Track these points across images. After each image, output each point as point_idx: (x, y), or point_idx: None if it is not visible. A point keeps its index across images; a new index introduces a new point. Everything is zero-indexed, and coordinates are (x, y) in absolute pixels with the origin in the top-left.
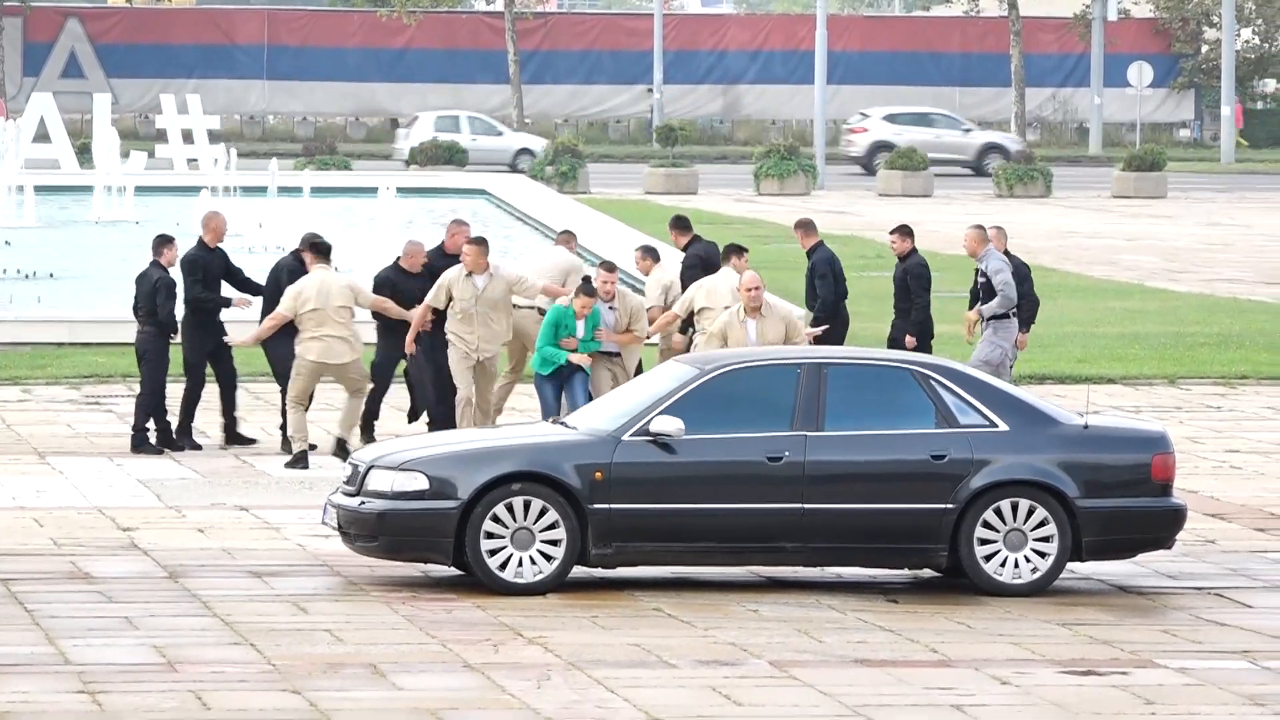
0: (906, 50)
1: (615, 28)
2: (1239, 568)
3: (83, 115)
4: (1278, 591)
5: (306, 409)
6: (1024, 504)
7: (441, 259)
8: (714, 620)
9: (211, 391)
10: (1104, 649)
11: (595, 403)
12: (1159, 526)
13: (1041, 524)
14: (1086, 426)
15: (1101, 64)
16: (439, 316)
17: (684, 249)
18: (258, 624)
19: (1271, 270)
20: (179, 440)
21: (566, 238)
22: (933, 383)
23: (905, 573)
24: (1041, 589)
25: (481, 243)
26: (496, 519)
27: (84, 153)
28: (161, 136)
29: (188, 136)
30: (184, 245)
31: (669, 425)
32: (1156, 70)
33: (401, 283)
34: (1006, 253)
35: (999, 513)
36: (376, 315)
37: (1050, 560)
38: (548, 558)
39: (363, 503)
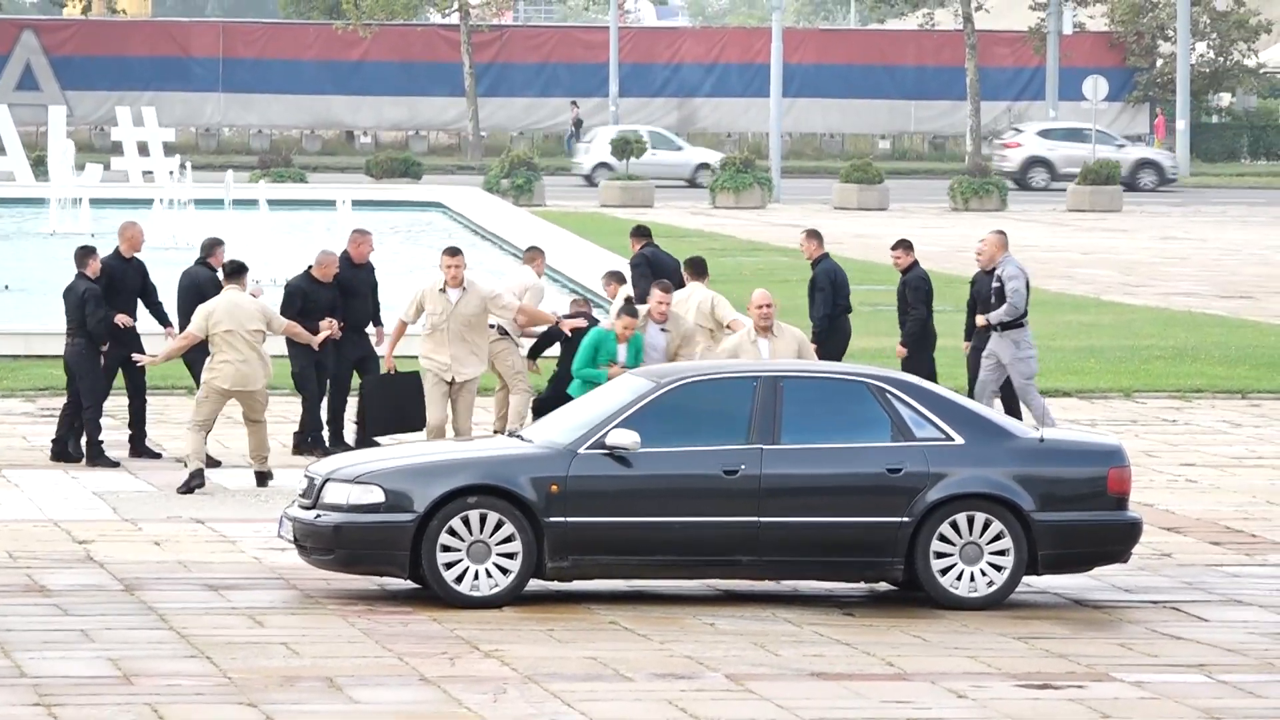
0: (862, 63)
1: (571, 40)
2: (1195, 581)
3: (38, 127)
4: (1233, 605)
5: (207, 433)
6: (980, 517)
7: (349, 269)
8: (670, 633)
9: (117, 404)
10: (1060, 662)
11: (551, 415)
12: (1115, 540)
13: (997, 537)
14: (1042, 440)
15: (1057, 77)
16: (347, 324)
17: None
18: (214, 637)
19: (1226, 284)
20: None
21: (533, 255)
22: (888, 396)
23: (861, 586)
24: (997, 602)
25: (458, 253)
26: (453, 532)
27: (39, 165)
28: (117, 149)
29: (143, 149)
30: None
31: (625, 438)
32: (1112, 84)
33: (313, 292)
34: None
35: (955, 526)
36: None
37: (1006, 574)
38: (504, 571)
39: (319, 516)
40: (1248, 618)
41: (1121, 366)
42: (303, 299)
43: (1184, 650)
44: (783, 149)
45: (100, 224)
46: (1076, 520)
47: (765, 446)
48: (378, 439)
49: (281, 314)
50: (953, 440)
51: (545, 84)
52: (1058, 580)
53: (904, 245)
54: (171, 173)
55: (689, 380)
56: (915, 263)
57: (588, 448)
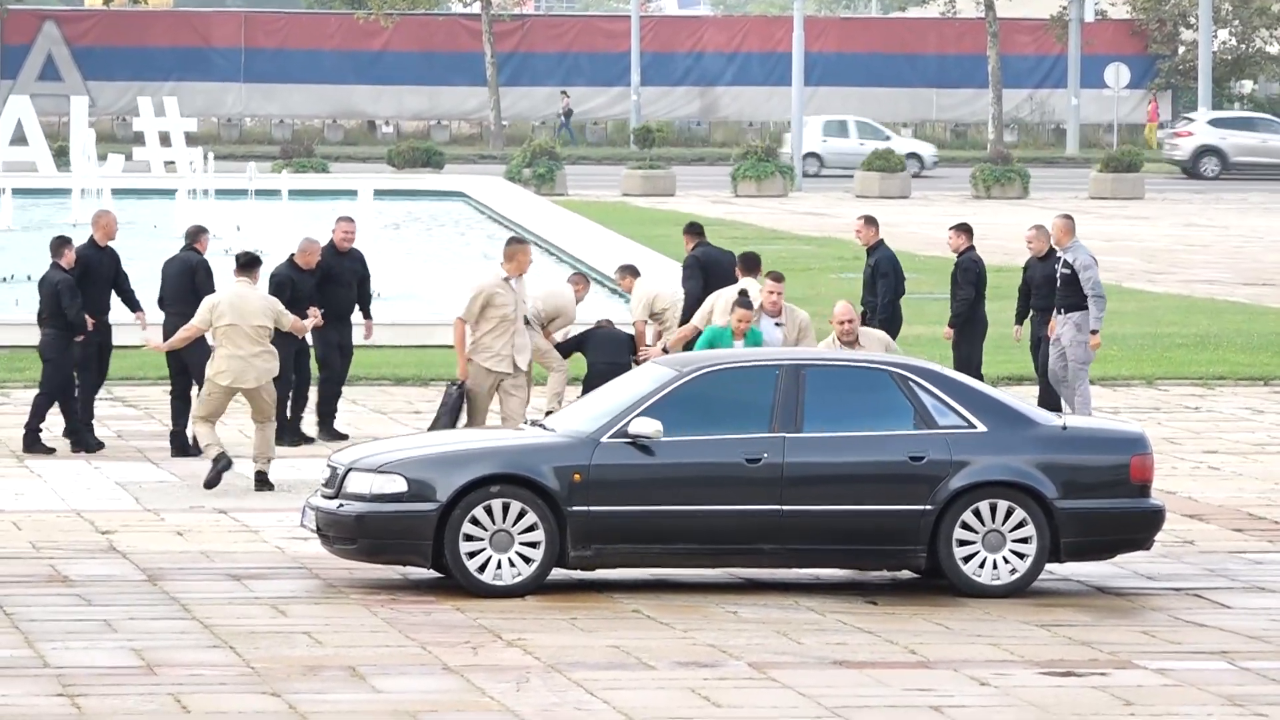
0: (884, 52)
1: (592, 30)
2: (1217, 568)
3: (60, 118)
4: (1256, 592)
5: (214, 424)
6: (1002, 505)
7: (333, 256)
8: (693, 622)
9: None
10: (1083, 650)
11: (574, 404)
12: (1137, 527)
13: (1020, 525)
14: (1065, 427)
15: (1078, 65)
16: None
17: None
18: (236, 627)
19: (1248, 271)
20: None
21: (579, 280)
22: (911, 384)
23: (884, 574)
24: (1020, 590)
25: (525, 242)
26: (475, 521)
27: (61, 155)
28: (139, 139)
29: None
30: (164, 249)
31: (647, 427)
32: (1133, 71)
33: (298, 280)
34: (971, 248)
35: (977, 514)
36: None
37: (1029, 561)
38: (527, 560)
39: (341, 505)
40: (1271, 605)
41: (1144, 354)
42: (292, 287)
43: (1207, 637)
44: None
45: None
46: (1099, 508)
47: (788, 435)
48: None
49: None
50: (975, 428)
51: (567, 73)
52: (1080, 568)
53: (961, 229)
54: (193, 163)
55: (711, 369)
56: (971, 246)
57: (610, 436)
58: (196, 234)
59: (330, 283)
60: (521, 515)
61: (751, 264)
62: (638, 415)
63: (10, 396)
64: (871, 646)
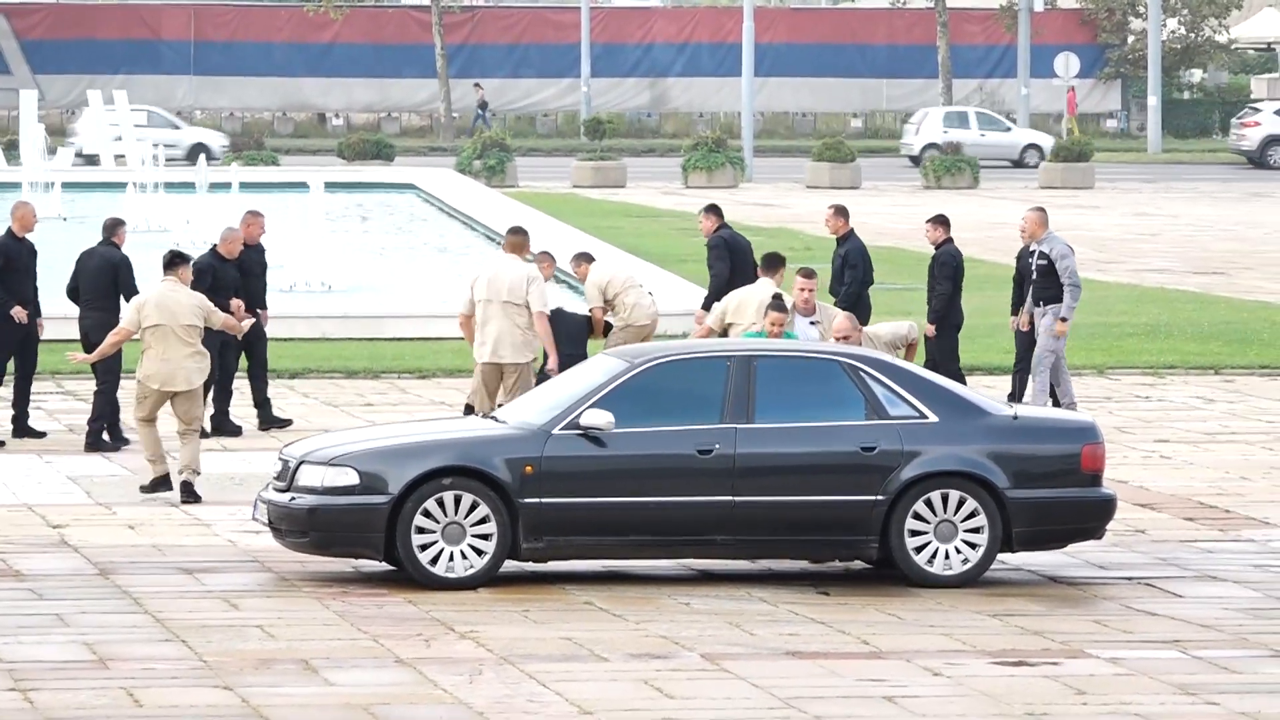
0: (834, 42)
1: (542, 21)
2: (1169, 557)
3: (9, 111)
4: (1207, 581)
5: (154, 424)
6: (954, 495)
7: (244, 249)
8: (645, 613)
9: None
10: (1035, 639)
11: (525, 396)
12: (1089, 517)
13: (972, 515)
14: (1016, 417)
15: (1028, 55)
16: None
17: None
18: (189, 620)
19: (1199, 260)
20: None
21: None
22: (862, 374)
23: (837, 565)
24: (972, 580)
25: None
26: (427, 514)
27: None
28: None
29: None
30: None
31: (599, 419)
32: (1083, 60)
33: (221, 269)
34: (949, 240)
35: (929, 504)
36: None
37: (981, 551)
38: (479, 552)
39: (293, 498)
40: (1222, 593)
41: (1094, 343)
42: (213, 276)
43: (1159, 626)
44: (755, 128)
45: (72, 208)
46: (1050, 497)
47: (739, 426)
48: None
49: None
50: (926, 418)
51: (516, 65)
52: (1032, 557)
53: (938, 221)
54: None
55: (662, 360)
56: (949, 239)
57: (562, 428)
58: (114, 226)
59: (246, 275)
60: (474, 508)
61: (773, 264)
62: (589, 407)
63: None
64: (824, 637)
